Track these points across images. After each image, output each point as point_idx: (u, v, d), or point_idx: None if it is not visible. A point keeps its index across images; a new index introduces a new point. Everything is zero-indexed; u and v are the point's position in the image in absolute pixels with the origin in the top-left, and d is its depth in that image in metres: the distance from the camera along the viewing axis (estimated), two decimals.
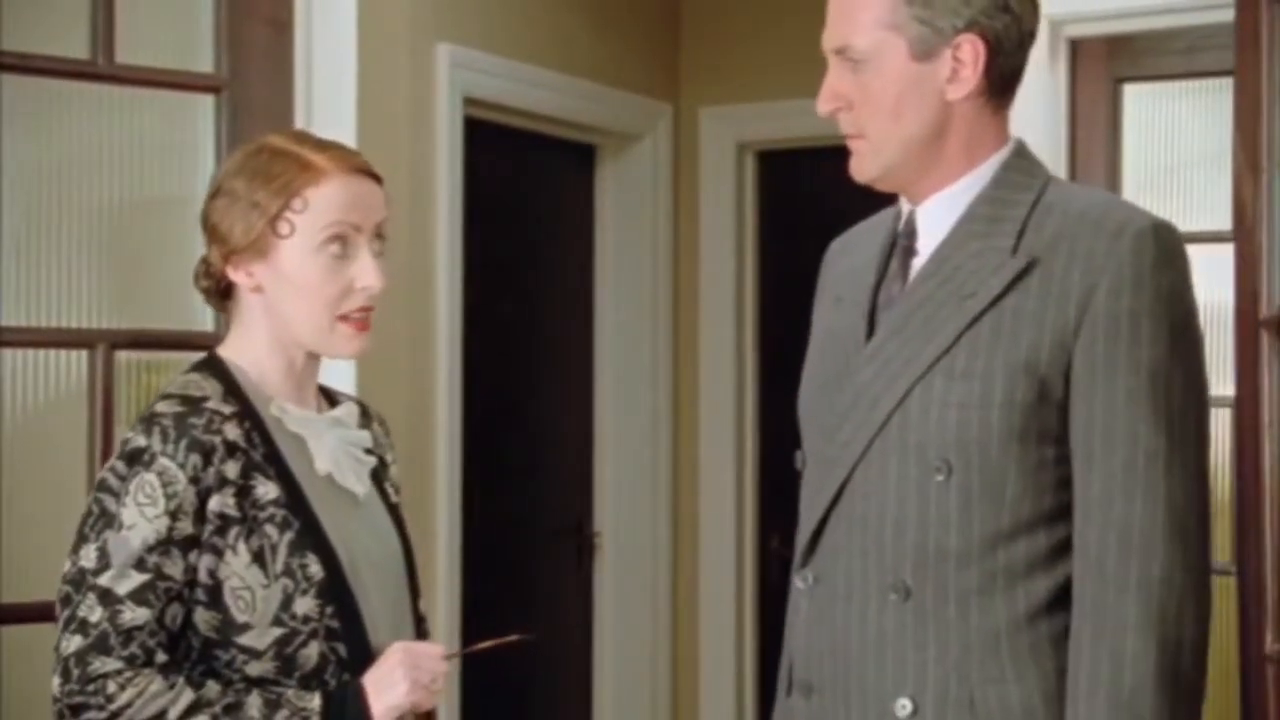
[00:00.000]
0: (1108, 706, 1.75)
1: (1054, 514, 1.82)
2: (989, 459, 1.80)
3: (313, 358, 2.07)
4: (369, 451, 2.11)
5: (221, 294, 2.06)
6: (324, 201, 1.97)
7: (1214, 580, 1.86)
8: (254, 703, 1.88)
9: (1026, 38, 1.89)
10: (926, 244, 1.91)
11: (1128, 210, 1.87)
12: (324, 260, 1.98)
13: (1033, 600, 1.81)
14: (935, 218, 1.90)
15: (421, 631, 2.14)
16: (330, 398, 2.15)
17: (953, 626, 1.81)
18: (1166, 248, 1.82)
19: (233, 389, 1.99)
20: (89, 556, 1.89)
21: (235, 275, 2.01)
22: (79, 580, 1.89)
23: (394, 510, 2.13)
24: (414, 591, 2.12)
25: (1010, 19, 1.86)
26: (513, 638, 2.12)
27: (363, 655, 1.96)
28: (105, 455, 2.68)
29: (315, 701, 1.90)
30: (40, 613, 2.57)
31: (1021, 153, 1.92)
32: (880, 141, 1.89)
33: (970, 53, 1.85)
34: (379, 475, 2.13)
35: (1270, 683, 2.79)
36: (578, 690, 4.80)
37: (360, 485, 2.06)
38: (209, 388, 1.98)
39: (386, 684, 1.94)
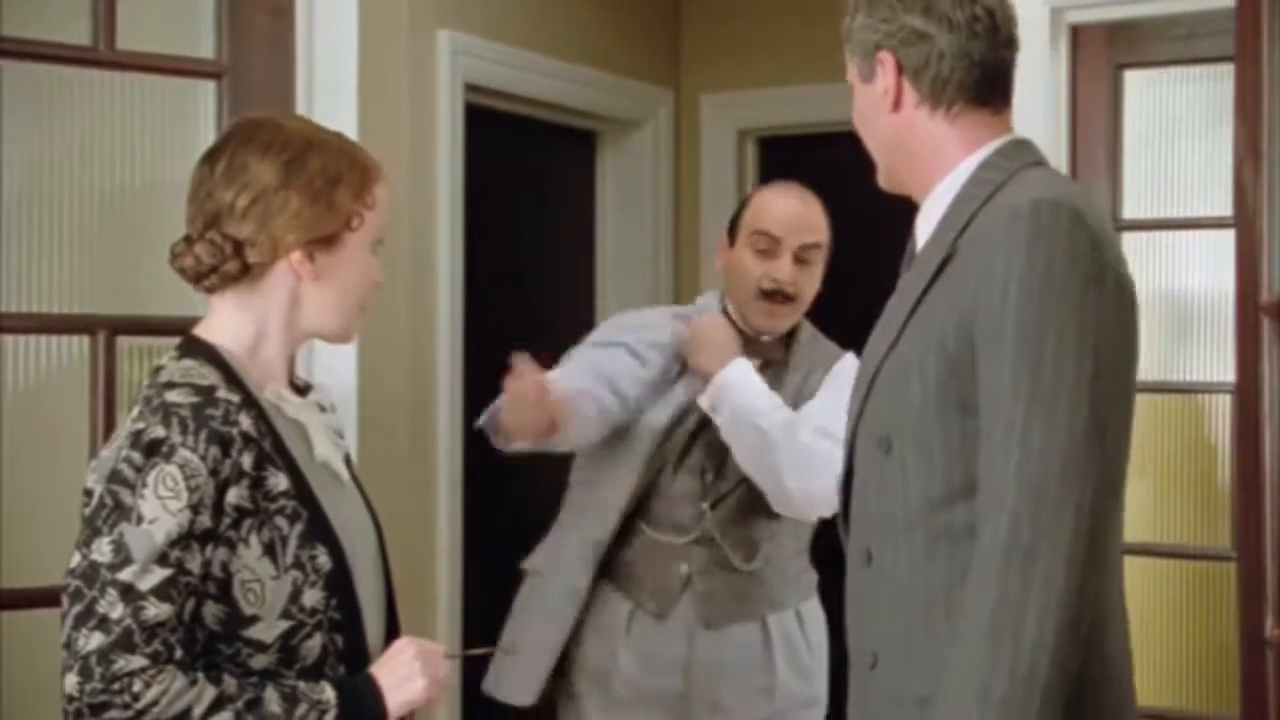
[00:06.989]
0: (951, 686, 1.76)
1: None
2: (916, 431, 1.87)
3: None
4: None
5: (235, 277, 2.01)
6: (383, 200, 2.05)
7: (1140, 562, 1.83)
8: (272, 697, 1.87)
9: (949, 53, 1.94)
10: (921, 243, 2.01)
11: (1036, 192, 1.85)
12: (371, 255, 2.05)
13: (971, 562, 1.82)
14: (927, 218, 2.00)
15: (393, 615, 2.09)
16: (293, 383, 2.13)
17: (903, 587, 1.89)
18: (1044, 221, 1.79)
19: (232, 377, 1.97)
20: (102, 550, 1.83)
21: (300, 264, 1.99)
22: (91, 575, 1.83)
23: (364, 492, 2.13)
24: (387, 574, 2.10)
25: (910, 34, 1.94)
26: (505, 646, 2.16)
27: (359, 646, 1.96)
28: (106, 441, 2.68)
29: (329, 694, 1.90)
30: (41, 598, 2.58)
31: (1003, 150, 1.96)
32: (873, 153, 2.05)
33: (882, 71, 1.97)
34: (348, 458, 2.13)
35: (1270, 667, 2.80)
36: None
37: (344, 470, 2.07)
38: (210, 376, 1.95)
39: (404, 677, 1.94)
